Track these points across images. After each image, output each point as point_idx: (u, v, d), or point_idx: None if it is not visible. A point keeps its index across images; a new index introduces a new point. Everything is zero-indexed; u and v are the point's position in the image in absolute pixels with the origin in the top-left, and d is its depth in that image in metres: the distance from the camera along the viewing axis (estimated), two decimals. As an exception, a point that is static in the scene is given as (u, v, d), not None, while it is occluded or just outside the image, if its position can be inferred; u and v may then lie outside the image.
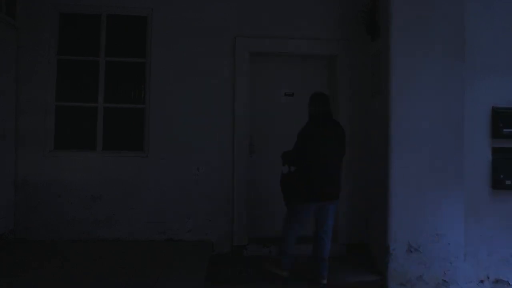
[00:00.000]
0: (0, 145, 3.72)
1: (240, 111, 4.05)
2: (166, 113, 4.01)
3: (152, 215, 3.95)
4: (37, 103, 3.95)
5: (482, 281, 3.55)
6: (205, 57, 4.04)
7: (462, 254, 3.46)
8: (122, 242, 3.86)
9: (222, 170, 4.01)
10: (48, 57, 3.98)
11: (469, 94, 3.54)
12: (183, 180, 3.98)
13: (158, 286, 2.90)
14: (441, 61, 3.49)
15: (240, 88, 4.06)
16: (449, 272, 3.44)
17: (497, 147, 3.60)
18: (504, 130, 3.56)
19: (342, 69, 4.16)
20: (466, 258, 3.50)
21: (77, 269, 3.19)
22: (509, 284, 3.57)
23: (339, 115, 4.16)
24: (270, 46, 4.14)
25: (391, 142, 3.46)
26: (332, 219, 3.31)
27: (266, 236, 4.26)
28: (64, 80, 4.09)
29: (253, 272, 3.51)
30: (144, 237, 3.92)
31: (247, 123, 4.09)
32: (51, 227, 3.89)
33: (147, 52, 4.06)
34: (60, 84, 4.06)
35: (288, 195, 3.26)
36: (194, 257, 3.54)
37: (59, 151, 4.00)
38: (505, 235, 3.57)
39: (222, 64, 4.05)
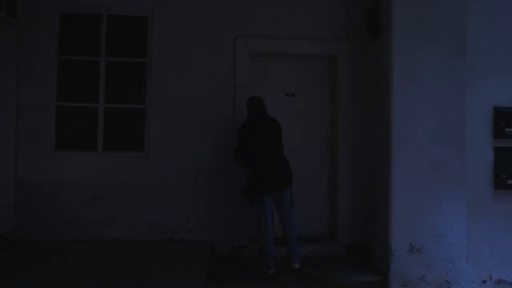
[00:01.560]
0: (0, 144, 3.72)
1: (241, 111, 4.03)
2: (167, 113, 4.00)
3: (152, 215, 3.94)
4: (38, 103, 3.95)
5: (484, 282, 3.53)
6: (205, 57, 4.04)
7: (464, 254, 3.44)
8: (122, 242, 3.85)
9: (223, 170, 4.00)
10: (48, 57, 3.98)
11: (470, 94, 3.53)
12: (183, 180, 3.97)
13: (158, 286, 2.89)
14: (442, 61, 3.48)
15: (240, 88, 4.05)
16: (451, 273, 3.42)
17: (499, 147, 3.59)
18: (506, 129, 3.55)
19: (342, 69, 4.16)
20: (468, 259, 3.48)
21: (77, 269, 3.18)
22: None
23: (339, 115, 4.16)
24: (270, 46, 4.13)
25: (392, 142, 3.45)
26: (292, 204, 3.54)
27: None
28: (64, 80, 4.09)
29: (253, 272, 3.49)
30: (144, 237, 3.91)
31: (247, 123, 4.07)
32: (51, 227, 3.88)
33: (148, 52, 4.06)
34: (60, 84, 4.06)
35: (248, 195, 3.49)
36: (194, 257, 3.53)
37: (60, 151, 3.99)
38: (507, 235, 3.56)
39: (223, 64, 4.05)
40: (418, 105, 3.46)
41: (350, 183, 4.08)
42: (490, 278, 3.55)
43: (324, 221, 4.37)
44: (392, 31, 3.49)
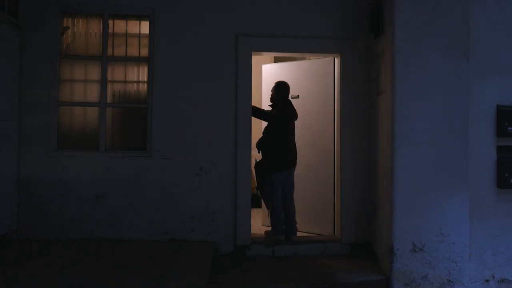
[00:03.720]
0: (3, 144, 3.72)
1: (242, 111, 4.03)
2: (168, 112, 4.00)
3: (155, 215, 3.94)
4: (40, 102, 3.94)
5: (487, 281, 3.53)
6: (207, 56, 4.03)
7: (466, 253, 3.44)
8: (125, 242, 3.85)
9: (225, 170, 4.00)
10: (50, 56, 3.97)
11: (473, 93, 3.52)
12: (186, 180, 3.97)
13: (160, 286, 2.89)
14: (445, 60, 3.47)
15: (242, 88, 4.04)
16: (453, 272, 3.42)
17: (502, 146, 3.57)
18: (509, 128, 3.53)
19: (346, 68, 4.13)
20: (471, 258, 3.47)
21: (79, 269, 3.18)
22: (515, 283, 3.55)
23: (341, 114, 4.15)
24: (272, 45, 4.12)
25: (395, 142, 3.44)
26: (293, 181, 4.26)
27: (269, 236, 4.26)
28: (66, 79, 4.09)
29: (256, 273, 3.49)
30: (147, 237, 3.92)
31: (249, 123, 4.07)
32: (54, 227, 3.88)
33: (150, 51, 4.05)
34: (62, 83, 4.06)
35: (264, 173, 4.16)
36: (196, 257, 3.53)
37: (62, 151, 3.99)
38: (511, 234, 3.55)
39: (225, 63, 4.03)
40: (420, 103, 3.45)
41: (353, 182, 4.07)
42: (493, 277, 3.55)
43: (327, 221, 4.38)
44: (395, 29, 3.48)
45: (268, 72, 4.92)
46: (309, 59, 4.82)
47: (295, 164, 4.21)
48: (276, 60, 6.11)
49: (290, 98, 4.32)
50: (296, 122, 4.27)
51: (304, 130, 4.53)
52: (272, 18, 4.08)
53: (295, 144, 4.23)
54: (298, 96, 4.55)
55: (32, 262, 3.32)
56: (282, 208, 4.10)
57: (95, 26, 4.09)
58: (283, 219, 4.10)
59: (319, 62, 4.47)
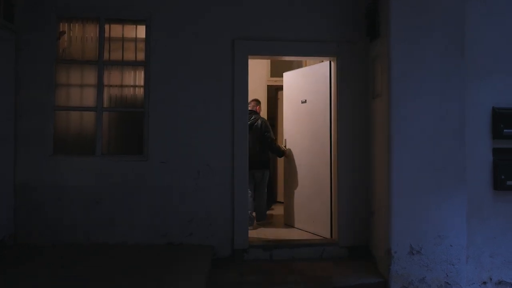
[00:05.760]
0: (-1, 149, 3.71)
1: (239, 114, 4.03)
2: (166, 116, 3.99)
3: (152, 219, 3.93)
4: (37, 106, 3.93)
5: (484, 283, 3.54)
6: (204, 60, 4.03)
7: (464, 256, 3.44)
8: (123, 246, 3.84)
9: (222, 173, 3.99)
10: (47, 60, 3.96)
11: (469, 95, 3.53)
12: (183, 184, 3.96)
13: (158, 291, 2.88)
14: (443, 60, 3.48)
15: (239, 91, 4.04)
16: (451, 274, 3.42)
17: (498, 148, 3.59)
18: (505, 130, 3.55)
19: (342, 71, 4.14)
20: (468, 260, 3.48)
21: (76, 274, 3.16)
22: (512, 285, 3.56)
23: (339, 117, 4.15)
24: (269, 48, 4.13)
25: (392, 144, 3.45)
26: (263, 182, 5.06)
27: (267, 239, 4.26)
28: (63, 83, 4.08)
29: (254, 276, 3.48)
30: (144, 241, 3.90)
31: (246, 126, 4.07)
32: (51, 231, 3.87)
33: (146, 55, 4.05)
34: (59, 87, 4.06)
35: None
36: (194, 261, 3.51)
37: (59, 155, 3.97)
38: (508, 236, 3.56)
39: (221, 67, 4.04)
40: (416, 105, 3.46)
41: (351, 185, 4.07)
42: (491, 279, 3.55)
43: (325, 223, 4.38)
44: (391, 32, 3.49)
45: (286, 79, 5.09)
46: (305, 64, 4.84)
47: (256, 167, 4.79)
48: (273, 62, 6.13)
49: (258, 110, 5.12)
50: (301, 125, 4.39)
51: (305, 133, 4.55)
52: (268, 22, 4.09)
53: (256, 150, 4.83)
54: (305, 100, 4.58)
55: (29, 266, 3.29)
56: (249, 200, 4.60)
57: (91, 31, 4.09)
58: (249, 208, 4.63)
59: (322, 66, 4.48)
